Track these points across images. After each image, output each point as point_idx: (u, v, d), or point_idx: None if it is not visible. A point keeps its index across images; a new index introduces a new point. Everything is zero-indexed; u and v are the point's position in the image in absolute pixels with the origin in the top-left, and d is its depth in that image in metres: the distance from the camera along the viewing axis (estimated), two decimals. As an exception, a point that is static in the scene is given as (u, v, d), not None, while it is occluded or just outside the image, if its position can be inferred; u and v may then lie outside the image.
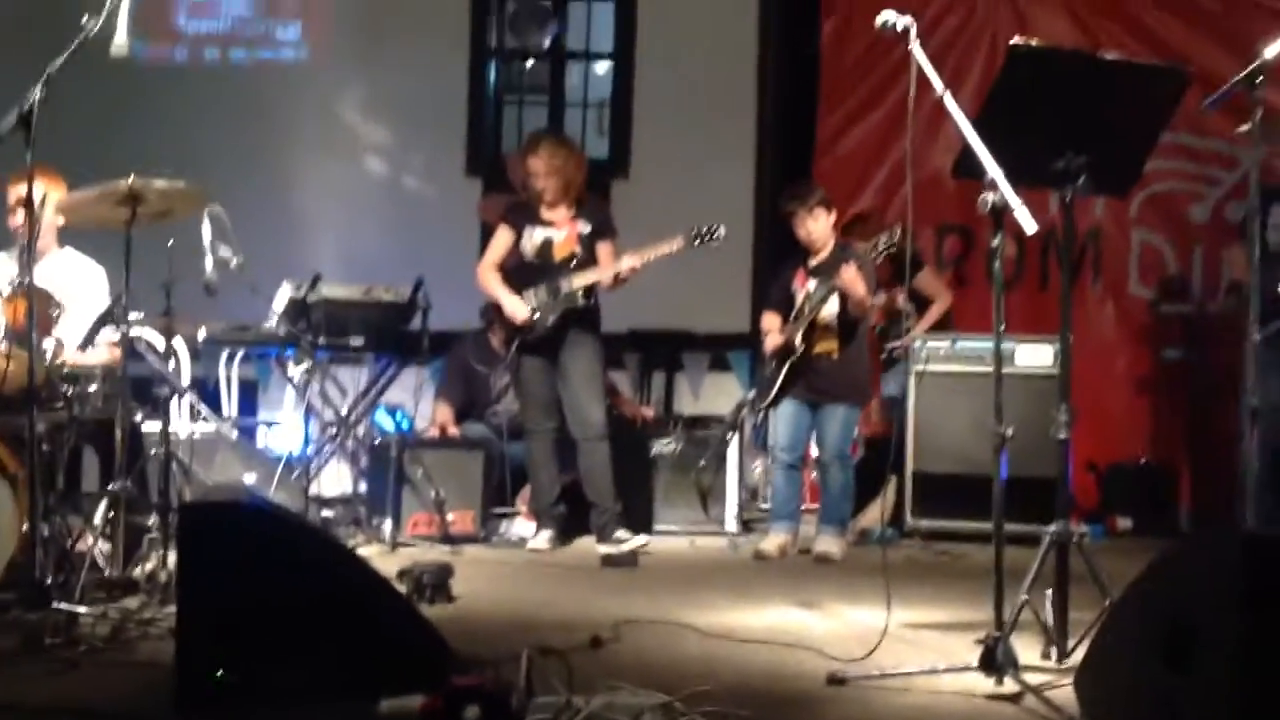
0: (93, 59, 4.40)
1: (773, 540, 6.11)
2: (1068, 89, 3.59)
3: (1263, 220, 4.77)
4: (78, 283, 5.32)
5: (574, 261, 6.07)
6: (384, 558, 5.60)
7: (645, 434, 6.94)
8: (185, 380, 5.89)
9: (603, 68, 9.07)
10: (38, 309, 4.39)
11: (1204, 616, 2.82)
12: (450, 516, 6.21)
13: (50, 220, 5.21)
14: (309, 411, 6.40)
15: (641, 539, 6.02)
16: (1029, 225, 3.38)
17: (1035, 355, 6.58)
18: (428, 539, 6.09)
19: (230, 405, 7.04)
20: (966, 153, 3.50)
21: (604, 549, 5.91)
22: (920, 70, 3.62)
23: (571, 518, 6.30)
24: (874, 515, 6.73)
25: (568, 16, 8.98)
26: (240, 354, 7.03)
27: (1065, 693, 3.31)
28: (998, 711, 3.33)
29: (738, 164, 8.50)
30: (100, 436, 4.84)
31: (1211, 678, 2.77)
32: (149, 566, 4.50)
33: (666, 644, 4.09)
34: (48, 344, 4.58)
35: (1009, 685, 3.42)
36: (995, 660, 3.42)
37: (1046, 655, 3.69)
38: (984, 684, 3.45)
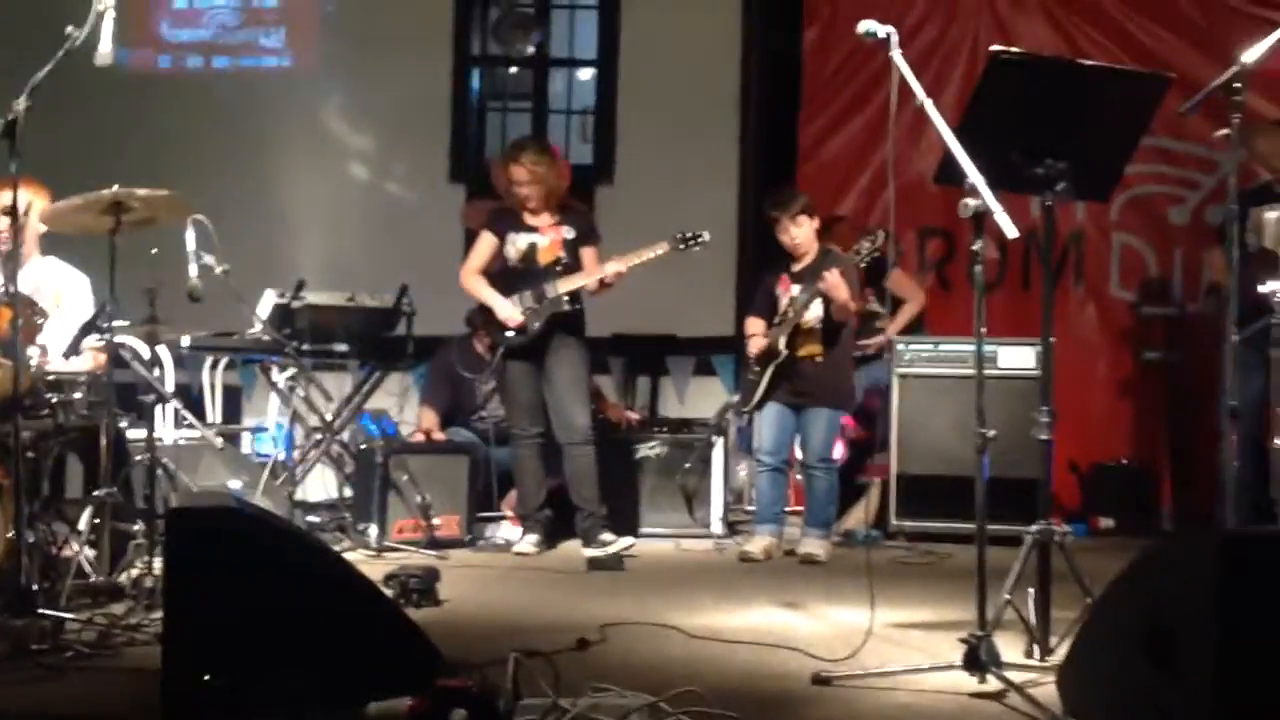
0: (77, 68, 4.41)
1: (758, 542, 6.13)
2: (1047, 95, 3.63)
3: (1241, 223, 4.80)
4: (61, 291, 5.33)
5: (559, 266, 6.09)
6: (370, 563, 5.62)
7: (630, 438, 6.96)
8: (169, 387, 5.89)
9: (586, 74, 9.10)
10: (22, 317, 4.39)
11: (1183, 614, 2.85)
12: (436, 521, 6.22)
13: (34, 229, 5.22)
14: (294, 418, 6.40)
15: (627, 541, 6.04)
16: (1010, 230, 3.41)
17: (1017, 357, 6.62)
18: (414, 544, 6.09)
19: (215, 412, 7.05)
20: (948, 159, 3.54)
21: (590, 552, 5.93)
22: (901, 78, 3.65)
23: (557, 522, 6.32)
24: (858, 517, 6.78)
25: (551, 23, 9.01)
26: (224, 361, 7.04)
27: (1048, 690, 3.34)
28: (982, 709, 3.36)
29: (721, 170, 8.53)
30: (85, 443, 4.84)
31: (1192, 674, 2.80)
32: (135, 573, 4.51)
33: (652, 646, 4.11)
34: (32, 352, 4.58)
35: (992, 683, 3.45)
36: (979, 659, 3.46)
37: (1030, 653, 3.73)
38: (968, 682, 3.49)
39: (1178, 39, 7.58)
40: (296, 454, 6.64)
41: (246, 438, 7.27)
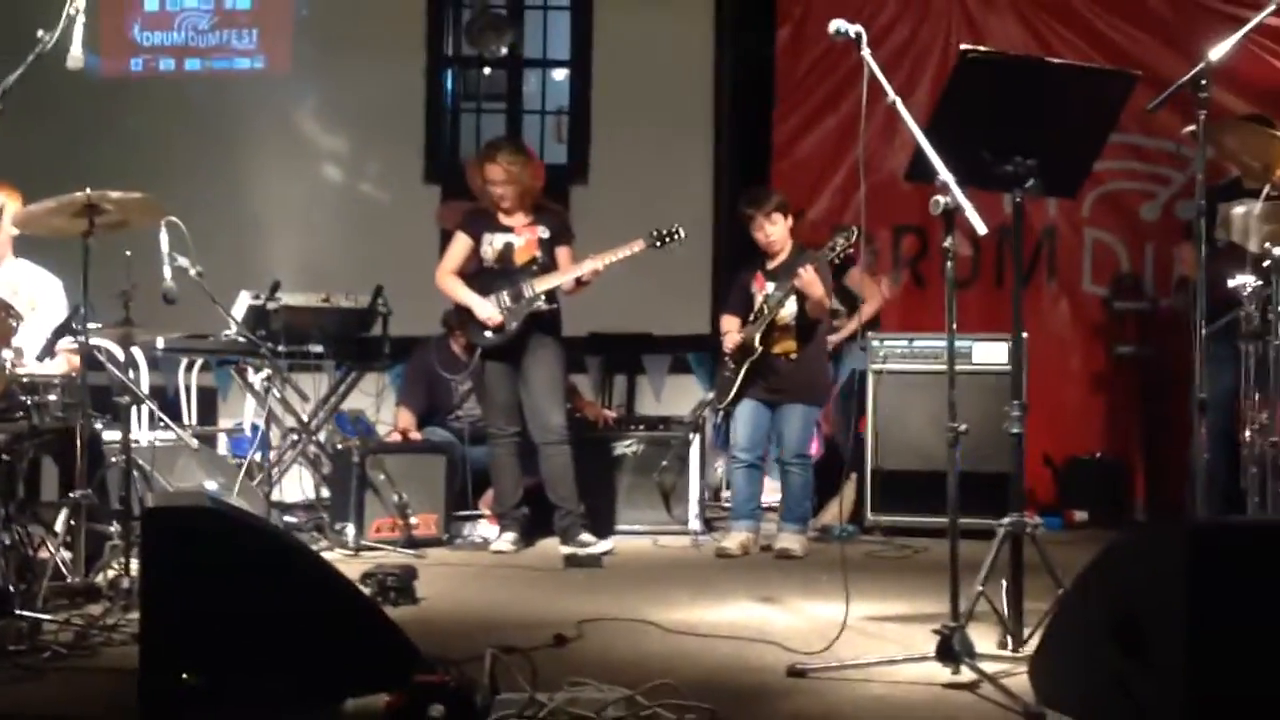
0: (49, 71, 4.40)
1: (734, 538, 6.16)
2: (1016, 93, 3.66)
3: (1211, 219, 4.85)
4: (35, 293, 5.32)
5: (535, 266, 6.11)
6: (348, 562, 5.62)
7: (607, 436, 6.98)
8: (144, 389, 5.88)
9: (560, 75, 9.11)
10: (-3, 320, 4.39)
11: (1152, 603, 2.89)
12: (413, 520, 6.23)
13: (6, 232, 5.22)
14: (270, 419, 6.40)
15: (607, 545, 6.05)
16: (980, 227, 3.44)
17: (991, 353, 6.65)
18: (391, 543, 6.10)
19: (190, 413, 7.04)
20: (918, 156, 3.57)
21: (567, 550, 5.94)
22: (872, 77, 3.68)
23: (535, 520, 6.33)
24: (835, 512, 6.82)
25: (524, 24, 9.02)
26: (199, 362, 7.03)
27: (1021, 680, 3.38)
28: (955, 700, 3.40)
29: (696, 169, 8.57)
30: (60, 446, 4.82)
31: (1162, 661, 2.84)
32: (111, 574, 4.51)
33: (629, 641, 4.13)
34: (6, 354, 4.57)
35: (966, 674, 3.49)
36: (952, 650, 3.49)
37: (1003, 644, 3.77)
38: (941, 673, 3.52)
39: (1148, 36, 7.66)
40: (273, 455, 6.63)
41: (222, 439, 7.26)
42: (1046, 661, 3.29)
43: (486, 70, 9.13)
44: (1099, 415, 7.85)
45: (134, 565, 4.38)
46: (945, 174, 3.48)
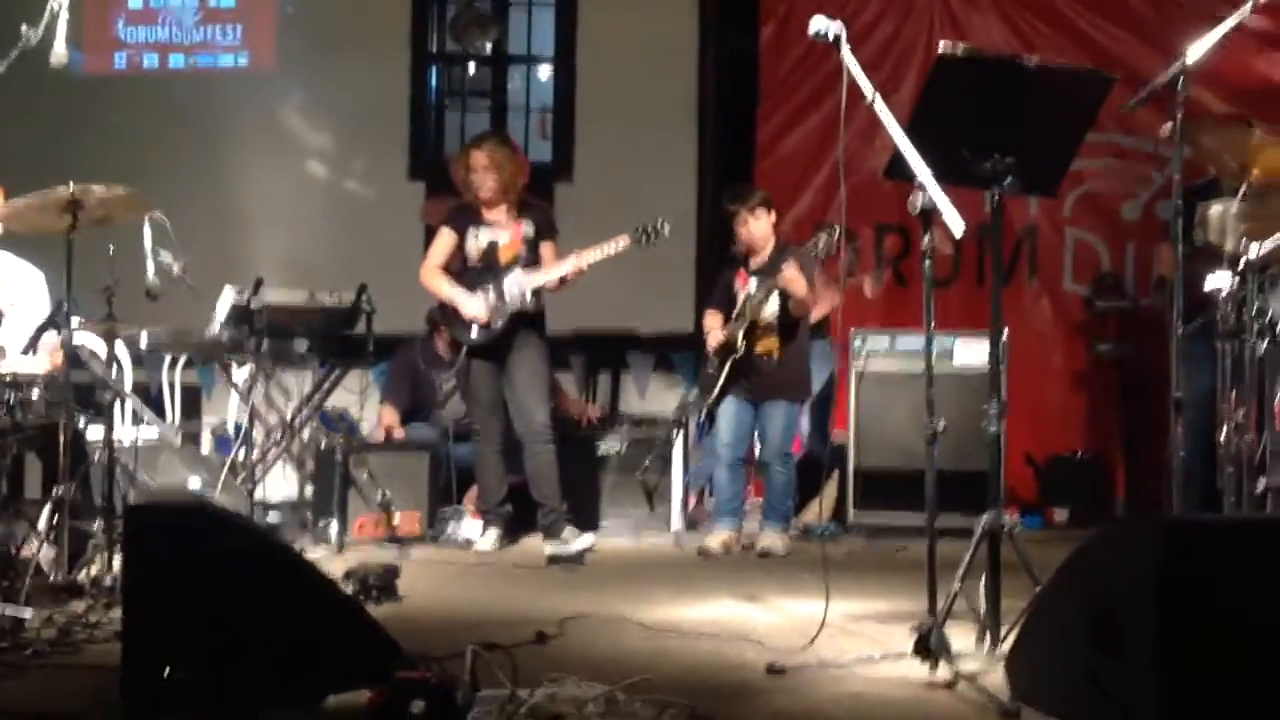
0: (32, 67, 4.40)
1: (717, 537, 6.18)
2: (994, 92, 3.69)
3: (1189, 217, 4.89)
4: (17, 288, 5.32)
5: (519, 263, 6.12)
6: (331, 560, 5.62)
7: (591, 434, 7.00)
8: (128, 385, 5.88)
9: (545, 71, 9.12)
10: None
11: (1127, 599, 2.92)
12: (397, 518, 6.24)
13: (-11, 228, 5.21)
14: (253, 416, 6.40)
15: (588, 540, 6.07)
16: (957, 226, 3.47)
17: (973, 351, 6.69)
18: (374, 541, 6.11)
19: (173, 410, 7.04)
20: (897, 155, 3.59)
21: (550, 548, 5.96)
22: (860, 75, 3.70)
23: (518, 518, 6.35)
24: (816, 511, 6.85)
25: (508, 21, 9.02)
26: (183, 359, 7.03)
27: (997, 677, 3.40)
28: (932, 697, 3.42)
29: (680, 166, 8.58)
30: (43, 442, 4.83)
31: (1136, 657, 2.87)
32: (94, 571, 4.51)
33: (611, 638, 4.15)
34: (-12, 349, 4.58)
35: (943, 671, 3.51)
36: (929, 647, 3.51)
37: (981, 642, 3.79)
38: (919, 671, 3.54)
39: (1129, 35, 7.71)
40: (257, 452, 6.64)
41: (206, 436, 7.26)
42: (1023, 658, 3.32)
43: (471, 67, 9.14)
44: (1080, 414, 7.89)
45: (116, 562, 4.39)
46: (923, 172, 3.51)
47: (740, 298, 6.22)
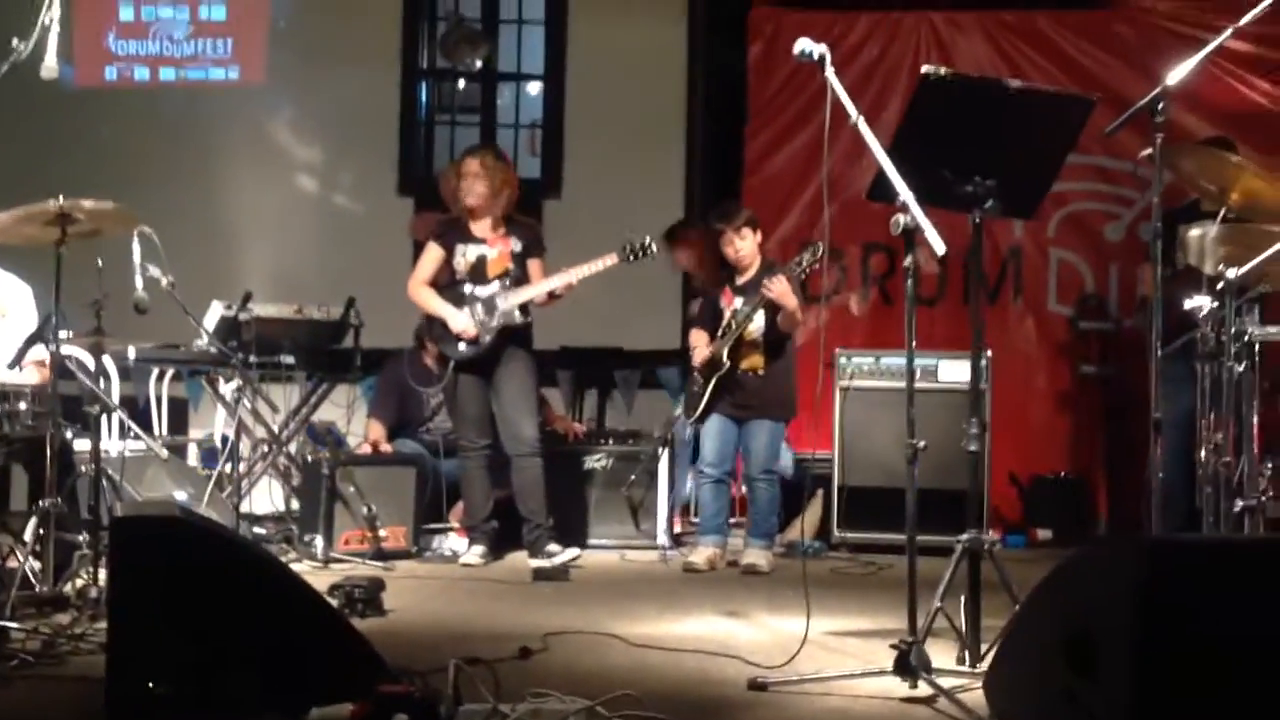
0: (22, 79, 4.43)
1: (701, 553, 6.20)
2: (976, 115, 3.73)
3: (1171, 240, 4.94)
4: (6, 302, 5.34)
5: (507, 279, 6.15)
6: (316, 573, 5.63)
7: (578, 449, 7.02)
8: (115, 398, 5.90)
9: (534, 88, 9.17)
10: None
11: (1104, 619, 2.94)
12: (383, 532, 6.25)
13: (-22, 240, 5.22)
14: (240, 429, 6.42)
15: (573, 552, 6.09)
16: (938, 246, 3.51)
17: (957, 371, 6.72)
18: (360, 555, 6.12)
19: (161, 423, 7.05)
20: (880, 176, 3.64)
21: (535, 563, 5.98)
22: (843, 95, 3.74)
23: (504, 533, 6.37)
24: (800, 528, 6.87)
25: (498, 38, 9.07)
26: (170, 373, 7.04)
27: (976, 695, 3.43)
28: (911, 714, 3.44)
29: (668, 183, 8.63)
30: (30, 454, 4.84)
31: (1112, 678, 2.89)
32: (80, 583, 4.52)
33: (594, 654, 4.17)
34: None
35: (923, 688, 3.54)
36: (909, 664, 3.54)
37: (961, 660, 3.81)
38: (900, 687, 3.57)
39: (1114, 59, 7.78)
40: (243, 466, 6.65)
41: (193, 449, 7.27)
42: (1000, 676, 3.34)
43: (461, 83, 9.19)
44: (1063, 434, 7.94)
45: (102, 575, 4.40)
46: (905, 194, 3.55)
47: (726, 314, 6.26)
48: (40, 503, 4.56)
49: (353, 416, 7.28)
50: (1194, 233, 4.69)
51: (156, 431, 6.83)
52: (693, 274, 7.25)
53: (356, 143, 8.87)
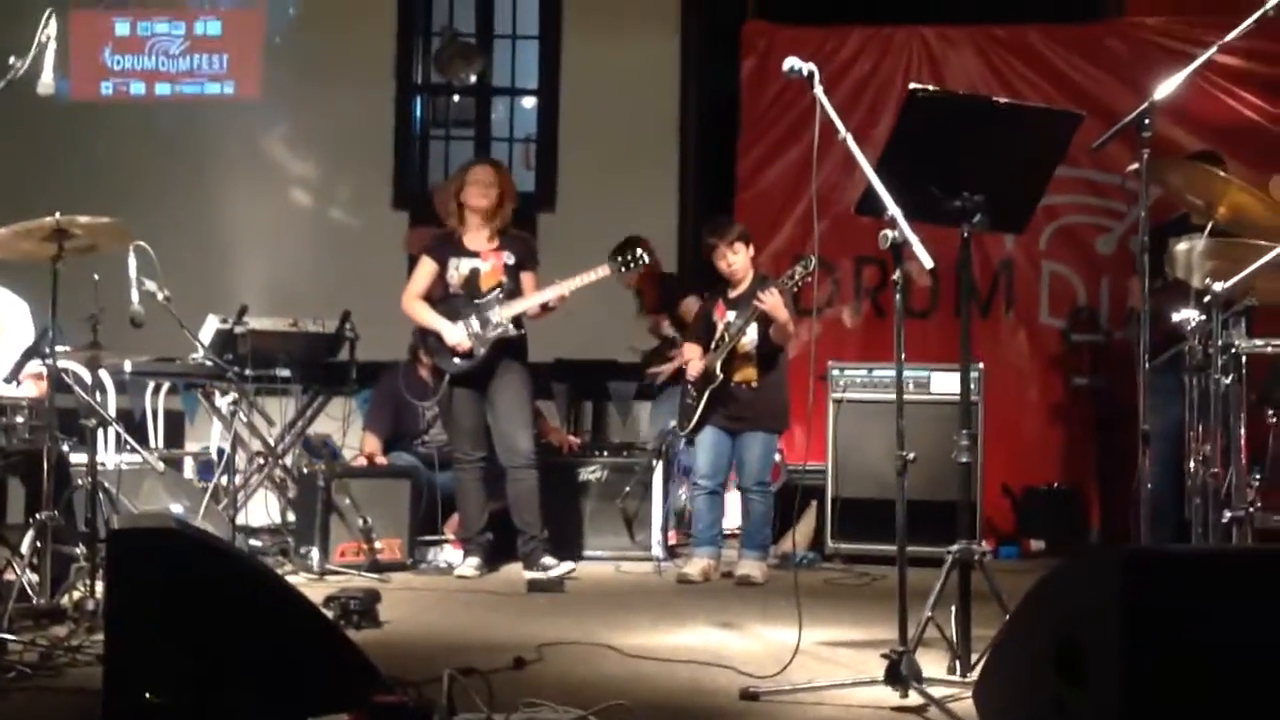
0: (18, 95, 4.47)
1: (696, 564, 6.24)
2: (964, 130, 3.78)
3: (1162, 253, 4.98)
4: (2, 317, 5.37)
5: (501, 291, 6.18)
6: (312, 586, 5.65)
7: (572, 461, 7.05)
8: (111, 412, 5.93)
9: (528, 103, 9.23)
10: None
11: (1091, 629, 2.97)
12: (378, 545, 6.28)
13: (-24, 256, 5.26)
14: (236, 442, 6.45)
15: (568, 566, 6.12)
16: (926, 261, 3.55)
17: (950, 383, 6.75)
18: (356, 567, 6.14)
19: (157, 436, 7.07)
20: (869, 191, 3.68)
21: (530, 574, 6.01)
22: (832, 112, 3.79)
23: (499, 545, 6.39)
24: (793, 539, 6.90)
25: (493, 53, 9.12)
26: (167, 386, 7.07)
27: (967, 704, 3.46)
28: (902, 722, 3.49)
29: (661, 197, 8.68)
30: (27, 467, 4.87)
31: (1100, 686, 2.92)
32: (77, 595, 4.55)
33: (588, 664, 4.20)
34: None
35: (914, 698, 3.57)
36: (899, 674, 3.58)
37: (952, 670, 3.85)
38: (891, 697, 3.60)
39: (1105, 74, 7.81)
40: (239, 478, 6.68)
41: (189, 462, 7.29)
42: (990, 686, 3.37)
43: (455, 98, 9.23)
44: (1056, 446, 7.96)
45: (99, 587, 4.43)
46: (893, 208, 3.59)
47: (719, 327, 6.30)
48: (37, 515, 4.59)
49: (348, 429, 7.30)
50: (1181, 246, 4.73)
51: (152, 445, 6.86)
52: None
53: (352, 157, 8.92)
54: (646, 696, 3.67)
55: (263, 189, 8.91)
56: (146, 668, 3.17)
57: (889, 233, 3.61)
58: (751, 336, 6.21)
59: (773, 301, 5.98)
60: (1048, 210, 7.79)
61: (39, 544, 4.56)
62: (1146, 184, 3.95)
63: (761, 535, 6.33)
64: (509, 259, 6.24)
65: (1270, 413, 5.18)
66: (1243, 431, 4.77)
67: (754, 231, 6.72)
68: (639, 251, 6.16)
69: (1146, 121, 3.95)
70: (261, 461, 6.86)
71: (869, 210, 3.71)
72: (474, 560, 6.27)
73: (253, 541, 6.64)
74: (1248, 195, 4.55)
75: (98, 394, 5.44)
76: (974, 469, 4.00)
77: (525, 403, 6.29)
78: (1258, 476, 5.07)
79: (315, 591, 5.00)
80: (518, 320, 6.16)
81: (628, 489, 6.88)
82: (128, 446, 5.86)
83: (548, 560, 6.09)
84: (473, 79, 9.03)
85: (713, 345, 6.30)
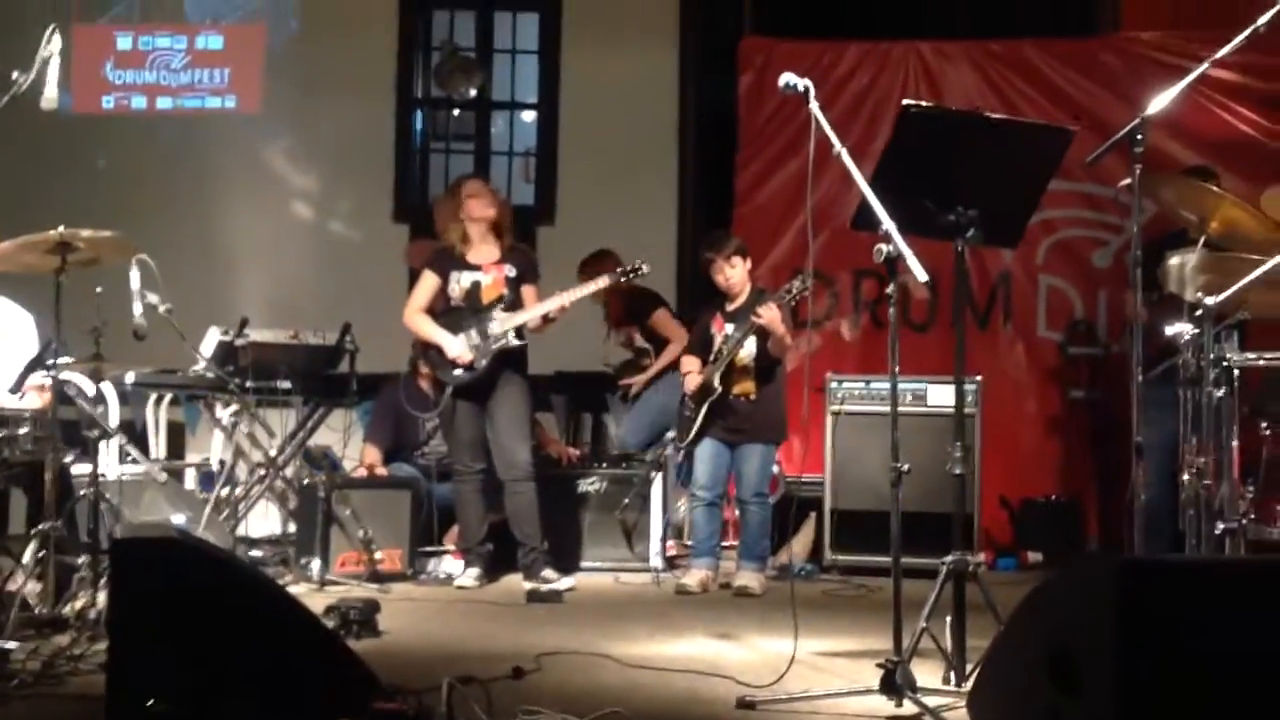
0: (21, 108, 4.51)
1: (694, 575, 6.26)
2: (957, 146, 3.82)
3: (1156, 266, 5.02)
4: (6, 329, 5.41)
5: (502, 304, 6.22)
6: (312, 596, 5.68)
7: (571, 473, 7.08)
8: (114, 423, 5.96)
9: (528, 117, 9.28)
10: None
11: (1083, 638, 3.01)
12: (378, 555, 6.31)
13: (-20, 269, 5.30)
14: (237, 453, 6.48)
15: (569, 581, 6.14)
16: (920, 275, 3.59)
17: (947, 395, 6.77)
18: (356, 577, 6.17)
19: (158, 447, 7.10)
20: (864, 206, 3.72)
21: (530, 585, 6.03)
22: (819, 128, 3.83)
23: (499, 556, 6.41)
24: (794, 551, 6.93)
25: (493, 67, 9.18)
26: (168, 397, 7.10)
27: (961, 714, 3.50)
28: (897, 731, 3.52)
29: (660, 211, 8.73)
30: (29, 478, 4.91)
31: (1093, 694, 2.95)
32: (79, 604, 4.58)
33: (586, 673, 4.23)
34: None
35: (908, 707, 3.61)
36: (894, 683, 3.61)
37: (947, 679, 3.88)
38: (885, 706, 3.64)
39: (1099, 88, 7.84)
40: (240, 489, 6.71)
41: (190, 473, 7.32)
42: (984, 695, 3.41)
43: (456, 112, 9.29)
44: (1053, 458, 7.97)
45: (101, 597, 4.46)
46: (888, 223, 3.63)
47: (718, 340, 6.34)
48: (40, 526, 4.62)
49: (348, 441, 7.33)
50: (1174, 260, 4.77)
51: (154, 456, 6.89)
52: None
53: (352, 170, 8.96)
54: (644, 705, 3.70)
55: (264, 202, 8.96)
56: (148, 676, 3.21)
57: (884, 247, 3.66)
58: (749, 350, 6.25)
59: (770, 316, 6.02)
60: (1045, 224, 7.83)
61: (41, 554, 4.59)
62: (1139, 199, 3.99)
63: (759, 547, 6.36)
64: (510, 272, 6.28)
65: (1263, 425, 5.21)
66: (1235, 444, 4.80)
67: (753, 245, 6.76)
68: (638, 261, 6.21)
69: (1139, 137, 4.00)
70: (262, 473, 6.88)
71: (864, 225, 3.75)
72: (474, 571, 6.30)
73: (253, 552, 6.66)
74: (1240, 210, 4.59)
75: (100, 406, 5.47)
76: (968, 481, 4.00)
77: (524, 416, 6.32)
78: (1251, 488, 5.10)
79: (315, 602, 5.04)
80: (519, 331, 6.19)
81: (626, 500, 6.91)
82: (130, 457, 5.90)
83: (549, 573, 6.11)
84: (473, 93, 9.08)
85: (711, 358, 6.34)
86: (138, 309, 5.24)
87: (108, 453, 5.95)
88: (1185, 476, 4.77)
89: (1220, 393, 4.64)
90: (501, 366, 6.19)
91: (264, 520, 7.23)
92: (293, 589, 5.72)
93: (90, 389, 5.36)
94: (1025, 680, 3.17)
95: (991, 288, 8.02)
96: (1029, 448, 7.95)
